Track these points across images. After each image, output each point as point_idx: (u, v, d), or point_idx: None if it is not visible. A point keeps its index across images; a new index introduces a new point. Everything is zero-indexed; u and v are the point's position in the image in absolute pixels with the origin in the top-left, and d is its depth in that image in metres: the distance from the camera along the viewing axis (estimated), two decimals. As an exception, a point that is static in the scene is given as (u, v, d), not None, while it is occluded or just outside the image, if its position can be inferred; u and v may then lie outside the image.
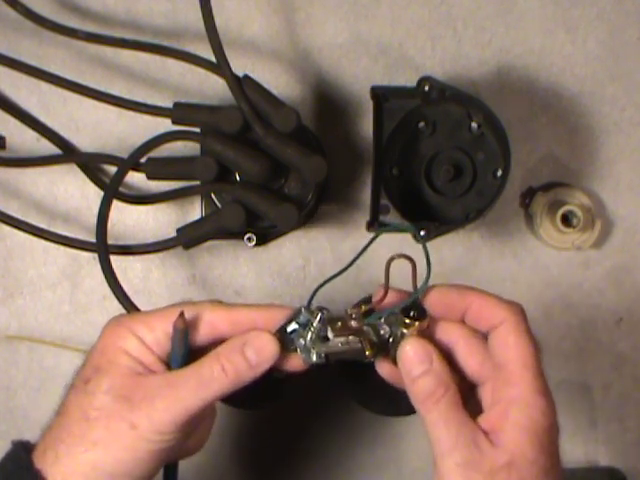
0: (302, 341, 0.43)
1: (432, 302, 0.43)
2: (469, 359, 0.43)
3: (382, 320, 0.43)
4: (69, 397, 0.42)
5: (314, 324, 0.43)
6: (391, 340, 0.43)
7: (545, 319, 0.62)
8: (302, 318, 0.43)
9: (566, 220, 0.59)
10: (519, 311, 0.42)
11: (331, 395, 0.60)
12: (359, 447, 0.62)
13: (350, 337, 0.43)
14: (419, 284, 0.43)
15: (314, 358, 0.43)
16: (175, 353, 0.42)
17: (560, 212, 0.58)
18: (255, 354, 0.42)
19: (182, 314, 0.42)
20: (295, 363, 0.44)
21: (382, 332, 0.43)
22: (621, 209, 0.62)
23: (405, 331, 0.42)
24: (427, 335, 0.43)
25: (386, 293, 0.43)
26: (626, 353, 0.62)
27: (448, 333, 0.43)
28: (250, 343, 0.42)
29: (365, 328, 0.43)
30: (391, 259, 0.43)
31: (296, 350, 0.43)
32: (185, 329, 0.42)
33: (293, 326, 0.43)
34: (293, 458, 0.62)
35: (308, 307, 0.44)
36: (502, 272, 0.62)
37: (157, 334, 0.42)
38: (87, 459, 0.40)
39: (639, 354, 0.62)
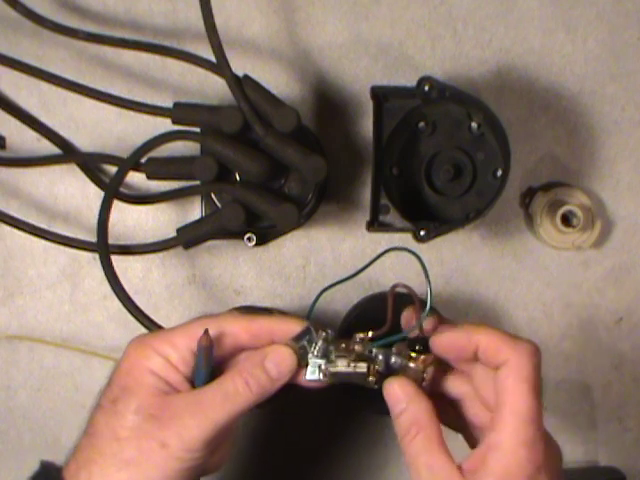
0: (309, 357, 0.44)
1: (443, 348, 0.44)
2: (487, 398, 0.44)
3: (393, 350, 0.45)
4: (97, 417, 0.43)
5: (318, 343, 0.44)
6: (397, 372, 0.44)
7: (545, 319, 0.62)
8: (309, 335, 0.44)
9: (566, 220, 0.59)
10: (525, 352, 0.41)
11: (331, 395, 0.60)
12: (359, 447, 0.62)
13: (354, 361, 0.44)
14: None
15: (315, 376, 0.44)
16: (199, 370, 0.43)
17: (560, 212, 0.58)
18: (275, 367, 0.44)
19: (207, 332, 0.43)
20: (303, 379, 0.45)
21: (392, 361, 0.44)
22: (621, 209, 0.62)
23: (411, 365, 0.44)
24: (442, 373, 0.44)
25: (391, 321, 0.45)
26: (626, 353, 0.62)
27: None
28: (270, 357, 0.44)
29: (374, 355, 0.45)
30: (394, 287, 0.45)
31: (306, 365, 0.45)
32: (210, 346, 0.43)
33: (302, 342, 0.45)
34: (293, 458, 0.62)
35: (312, 326, 0.45)
36: (502, 272, 0.62)
37: (182, 353, 0.43)
38: (119, 479, 0.41)
39: (639, 354, 0.62)
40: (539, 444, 0.40)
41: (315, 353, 0.44)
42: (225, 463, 0.47)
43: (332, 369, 0.44)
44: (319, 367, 0.44)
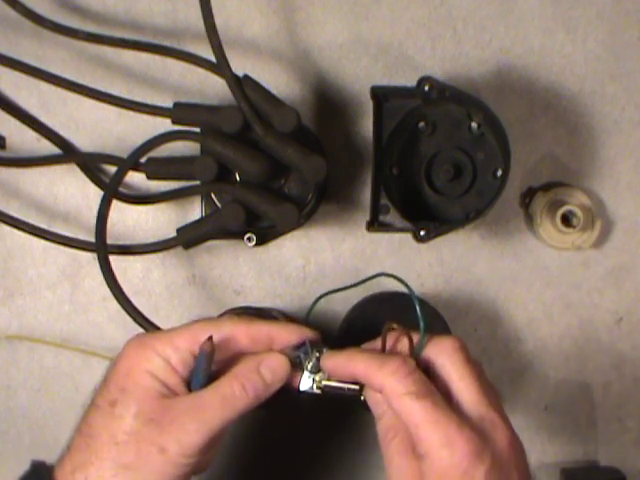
0: (304, 369, 0.46)
1: (331, 370, 0.46)
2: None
3: None
4: (94, 418, 0.43)
5: (312, 360, 0.46)
6: None
7: (545, 319, 0.62)
8: (305, 348, 0.46)
9: (566, 220, 0.59)
10: (391, 372, 0.43)
11: (330, 395, 0.60)
12: (359, 447, 0.62)
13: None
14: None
15: (308, 388, 0.46)
16: (199, 374, 0.43)
17: (560, 212, 0.58)
18: (270, 373, 0.45)
19: (211, 338, 0.43)
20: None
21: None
22: (621, 209, 0.62)
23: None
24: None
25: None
26: (626, 353, 0.62)
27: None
28: (265, 363, 0.45)
29: None
30: (387, 328, 0.46)
31: (302, 373, 0.46)
32: (213, 352, 0.43)
33: (298, 352, 0.46)
34: (293, 458, 0.62)
35: (308, 341, 0.46)
36: (502, 272, 0.62)
37: (182, 354, 0.43)
38: None
39: (639, 354, 0.62)
40: (460, 440, 0.40)
41: (309, 368, 0.46)
42: (212, 463, 0.47)
43: (325, 382, 0.46)
44: (313, 380, 0.46)
